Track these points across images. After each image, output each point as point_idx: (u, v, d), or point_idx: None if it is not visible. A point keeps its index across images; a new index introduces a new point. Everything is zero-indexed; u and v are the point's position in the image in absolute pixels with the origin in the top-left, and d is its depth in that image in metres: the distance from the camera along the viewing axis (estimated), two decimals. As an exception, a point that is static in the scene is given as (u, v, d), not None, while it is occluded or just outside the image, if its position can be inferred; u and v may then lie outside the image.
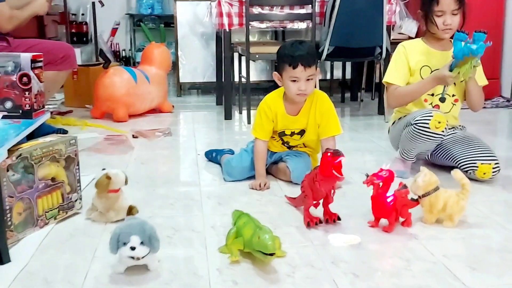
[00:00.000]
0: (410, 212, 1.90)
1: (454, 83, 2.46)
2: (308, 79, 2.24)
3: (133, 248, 1.48)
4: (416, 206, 1.90)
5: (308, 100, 2.36)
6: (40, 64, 1.96)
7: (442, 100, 2.51)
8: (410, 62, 2.54)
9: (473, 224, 1.94)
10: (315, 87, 2.36)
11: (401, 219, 1.91)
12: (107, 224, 1.90)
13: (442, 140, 2.46)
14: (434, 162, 2.59)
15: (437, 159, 2.57)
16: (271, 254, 1.51)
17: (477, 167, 2.37)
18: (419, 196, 1.91)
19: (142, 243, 1.49)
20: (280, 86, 2.37)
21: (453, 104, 2.56)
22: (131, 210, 1.79)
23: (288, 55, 2.23)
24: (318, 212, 1.95)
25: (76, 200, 1.97)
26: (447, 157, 2.52)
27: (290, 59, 2.21)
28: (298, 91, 2.25)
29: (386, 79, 2.58)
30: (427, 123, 2.29)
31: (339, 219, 1.93)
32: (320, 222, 1.91)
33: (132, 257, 1.49)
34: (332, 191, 1.91)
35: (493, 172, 2.36)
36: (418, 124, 2.32)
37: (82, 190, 2.09)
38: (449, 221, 1.90)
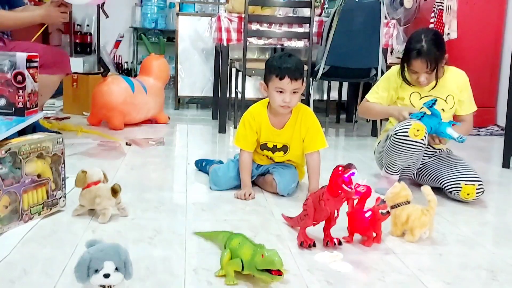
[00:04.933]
0: (381, 229, 1.90)
1: (443, 109, 2.53)
2: (294, 92, 2.27)
3: (107, 276, 1.27)
4: (387, 218, 1.91)
5: (293, 115, 2.39)
6: (35, 64, 2.02)
7: None
8: (399, 87, 2.61)
9: (452, 242, 1.97)
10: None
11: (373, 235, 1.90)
12: (90, 222, 1.94)
13: (426, 158, 2.51)
14: (420, 183, 2.62)
15: (422, 179, 2.60)
16: (279, 272, 1.44)
17: (461, 187, 2.40)
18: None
19: (116, 269, 1.29)
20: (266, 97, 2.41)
21: None
22: (115, 191, 1.86)
23: (276, 66, 2.27)
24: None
25: (60, 198, 2.00)
26: (431, 177, 2.55)
27: (277, 70, 2.25)
28: (283, 103, 2.28)
29: (367, 94, 2.72)
30: (406, 132, 2.35)
31: (340, 243, 1.84)
32: (314, 245, 1.81)
33: (103, 286, 1.28)
34: (336, 213, 1.83)
35: (477, 193, 2.39)
36: (397, 134, 2.38)
37: (69, 192, 2.12)
38: (411, 235, 1.92)
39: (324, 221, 1.84)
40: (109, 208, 1.94)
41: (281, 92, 2.27)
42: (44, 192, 1.92)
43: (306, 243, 1.80)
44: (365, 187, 1.83)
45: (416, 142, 2.35)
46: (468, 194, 2.39)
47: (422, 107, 2.45)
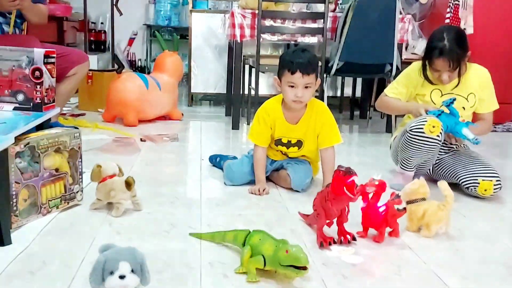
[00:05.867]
0: (398, 223, 1.91)
1: (464, 107, 2.53)
2: (306, 87, 2.27)
3: (122, 277, 1.24)
4: (403, 214, 1.92)
5: (308, 110, 2.39)
6: (52, 60, 2.03)
7: None
8: (419, 83, 2.59)
9: (469, 237, 1.96)
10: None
11: (389, 229, 1.91)
12: (107, 216, 1.96)
13: (442, 154, 2.50)
14: (436, 178, 2.61)
15: (439, 175, 2.59)
16: (304, 268, 1.42)
17: (478, 183, 2.39)
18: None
19: (132, 271, 1.26)
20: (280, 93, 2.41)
21: None
22: (129, 184, 1.88)
23: (288, 61, 2.27)
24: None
25: (77, 192, 2.03)
26: (448, 173, 2.54)
27: (289, 64, 2.25)
28: (295, 98, 2.28)
29: (386, 88, 2.71)
30: (422, 128, 2.33)
31: (354, 239, 1.84)
32: (334, 242, 1.81)
33: None
34: (347, 209, 1.82)
35: (494, 189, 2.38)
36: (413, 130, 2.37)
37: (86, 186, 2.15)
38: (427, 230, 1.92)
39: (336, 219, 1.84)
40: (124, 201, 1.96)
41: (293, 86, 2.27)
42: (62, 186, 1.95)
43: (326, 242, 1.79)
44: (379, 182, 1.84)
45: (431, 138, 2.34)
46: (485, 190, 2.38)
47: (441, 105, 2.43)
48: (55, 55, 2.05)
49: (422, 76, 2.57)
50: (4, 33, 3.01)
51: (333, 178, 1.74)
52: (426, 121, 2.34)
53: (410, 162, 2.48)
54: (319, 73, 2.36)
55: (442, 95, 2.54)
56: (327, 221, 1.82)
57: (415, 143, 2.38)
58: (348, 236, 1.83)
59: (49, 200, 1.89)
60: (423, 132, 2.34)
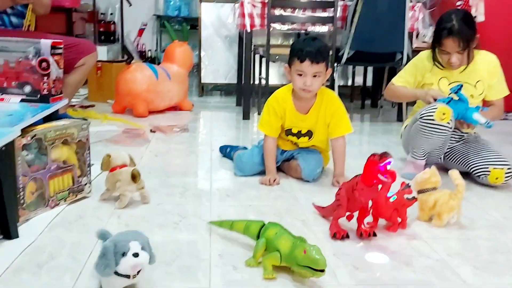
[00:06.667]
0: (406, 214, 1.87)
1: (472, 95, 2.49)
2: (315, 76, 2.24)
3: (136, 255, 1.26)
4: (413, 204, 1.88)
5: (318, 99, 2.36)
6: (59, 51, 2.02)
7: None
8: (427, 72, 2.56)
9: (481, 226, 1.94)
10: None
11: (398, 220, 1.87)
12: (115, 209, 1.94)
13: (453, 142, 2.48)
14: (447, 167, 2.58)
15: (450, 163, 2.56)
16: (322, 270, 1.37)
17: (489, 172, 2.36)
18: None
19: (142, 248, 1.29)
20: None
21: None
22: (134, 176, 1.88)
23: (298, 49, 2.25)
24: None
25: (85, 184, 2.02)
26: (459, 161, 2.51)
27: (299, 53, 2.23)
28: (303, 86, 2.25)
29: (394, 78, 2.71)
30: (432, 115, 2.32)
31: (374, 235, 1.77)
32: (347, 236, 1.75)
33: (129, 274, 1.28)
34: (371, 203, 1.77)
35: (506, 177, 2.35)
36: (423, 118, 2.35)
37: (94, 178, 2.14)
38: (438, 220, 1.90)
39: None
40: (128, 193, 1.94)
41: (301, 75, 2.25)
42: (70, 178, 1.94)
43: (339, 234, 1.74)
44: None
45: (442, 125, 2.32)
46: (496, 178, 2.35)
47: (449, 93, 2.40)
48: (62, 46, 2.04)
49: (432, 61, 2.54)
50: (13, 25, 3.01)
51: (366, 164, 1.67)
52: (436, 108, 2.31)
53: (421, 150, 2.45)
54: (329, 62, 2.32)
55: (449, 83, 2.51)
56: (348, 213, 1.78)
57: (426, 130, 2.35)
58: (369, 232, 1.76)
59: (57, 193, 1.89)
60: (434, 119, 2.31)
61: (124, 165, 1.99)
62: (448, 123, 2.32)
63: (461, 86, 2.36)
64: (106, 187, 2.01)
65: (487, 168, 2.37)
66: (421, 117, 2.37)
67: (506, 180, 2.36)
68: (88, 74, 3.36)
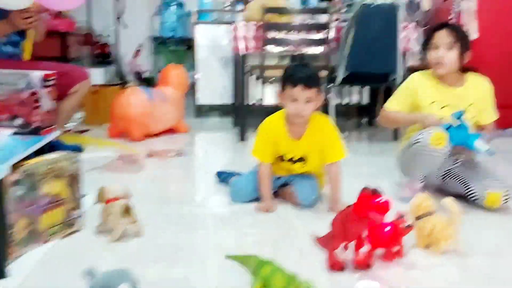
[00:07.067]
0: (402, 243, 1.83)
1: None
2: (307, 101, 2.24)
3: None
4: (409, 232, 1.85)
5: (311, 125, 2.35)
6: (51, 82, 2.01)
7: None
8: (419, 95, 2.55)
9: (479, 253, 1.91)
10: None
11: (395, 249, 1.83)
12: (109, 243, 1.91)
13: (450, 165, 2.47)
14: (444, 189, 2.57)
15: (446, 186, 2.54)
16: None
17: (486, 195, 2.33)
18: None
19: None
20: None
21: None
22: (126, 210, 1.84)
23: (289, 75, 2.27)
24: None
25: (78, 217, 1.99)
26: (455, 185, 2.49)
27: (291, 78, 2.25)
28: (296, 111, 2.26)
29: (386, 103, 2.67)
30: (428, 140, 2.30)
31: (371, 265, 1.75)
32: (344, 268, 1.73)
33: None
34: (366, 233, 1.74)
35: (504, 201, 2.33)
36: (419, 143, 2.34)
37: (88, 210, 2.11)
38: (435, 247, 1.87)
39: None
40: (120, 226, 1.91)
41: (294, 100, 2.25)
42: (61, 212, 1.91)
43: (336, 267, 1.72)
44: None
45: (437, 150, 2.30)
46: (493, 202, 2.33)
47: (452, 119, 2.37)
48: (54, 77, 2.03)
49: (424, 82, 2.54)
50: (7, 55, 3.00)
51: (358, 198, 1.67)
52: (431, 133, 2.30)
53: (416, 174, 2.44)
54: (322, 88, 2.32)
55: (442, 107, 2.49)
56: (343, 243, 1.76)
57: (421, 155, 2.34)
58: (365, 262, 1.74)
59: (48, 228, 1.86)
60: (429, 144, 2.29)
61: (118, 198, 1.97)
62: (444, 148, 2.30)
63: (463, 112, 2.34)
64: (102, 220, 1.99)
65: (484, 191, 2.35)
66: (416, 142, 2.35)
67: (503, 203, 2.33)
68: (81, 100, 3.35)
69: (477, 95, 2.52)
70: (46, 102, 1.98)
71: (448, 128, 2.32)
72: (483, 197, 2.34)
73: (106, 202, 1.97)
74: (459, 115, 2.33)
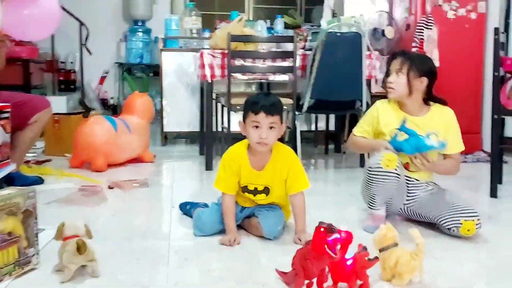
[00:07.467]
0: (368, 275, 1.81)
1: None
2: (270, 128, 2.23)
3: None
4: (374, 264, 1.83)
5: (274, 155, 2.33)
6: (6, 115, 1.95)
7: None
8: (380, 123, 2.60)
9: (444, 283, 1.90)
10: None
11: (359, 282, 1.81)
12: (64, 283, 1.82)
13: (417, 193, 2.52)
14: (412, 218, 2.56)
15: (415, 215, 2.54)
16: None
17: (461, 224, 2.34)
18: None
19: None
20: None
21: None
22: (78, 247, 1.77)
23: (252, 103, 2.27)
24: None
25: (33, 255, 1.89)
26: (425, 214, 2.50)
27: (253, 105, 2.25)
28: (259, 139, 2.23)
29: (354, 128, 2.74)
30: (379, 163, 2.36)
31: None
32: None
33: None
34: (327, 269, 1.75)
35: (476, 228, 2.34)
36: (371, 167, 2.40)
37: (44, 246, 2.03)
38: (399, 279, 1.84)
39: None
40: (72, 265, 1.82)
41: (257, 127, 2.23)
42: (16, 250, 1.82)
43: None
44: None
45: (389, 172, 2.35)
46: (468, 230, 2.34)
47: (399, 134, 2.46)
48: (9, 110, 1.96)
49: (386, 110, 2.59)
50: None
51: (314, 235, 1.67)
52: (382, 156, 2.37)
53: (375, 200, 2.45)
54: (284, 116, 2.32)
55: (402, 135, 2.50)
56: (306, 281, 1.74)
57: (375, 179, 2.39)
58: None
59: (1, 267, 1.77)
60: (381, 167, 2.35)
61: (76, 236, 1.88)
62: (395, 169, 2.35)
63: (404, 121, 2.45)
64: (59, 258, 1.90)
65: (459, 220, 2.35)
66: (369, 167, 2.42)
67: (476, 230, 2.34)
68: (42, 130, 3.27)
69: (440, 125, 2.53)
70: (1, 135, 1.91)
71: (399, 144, 2.41)
72: (459, 226, 2.34)
73: (63, 240, 1.90)
74: (402, 126, 2.43)
